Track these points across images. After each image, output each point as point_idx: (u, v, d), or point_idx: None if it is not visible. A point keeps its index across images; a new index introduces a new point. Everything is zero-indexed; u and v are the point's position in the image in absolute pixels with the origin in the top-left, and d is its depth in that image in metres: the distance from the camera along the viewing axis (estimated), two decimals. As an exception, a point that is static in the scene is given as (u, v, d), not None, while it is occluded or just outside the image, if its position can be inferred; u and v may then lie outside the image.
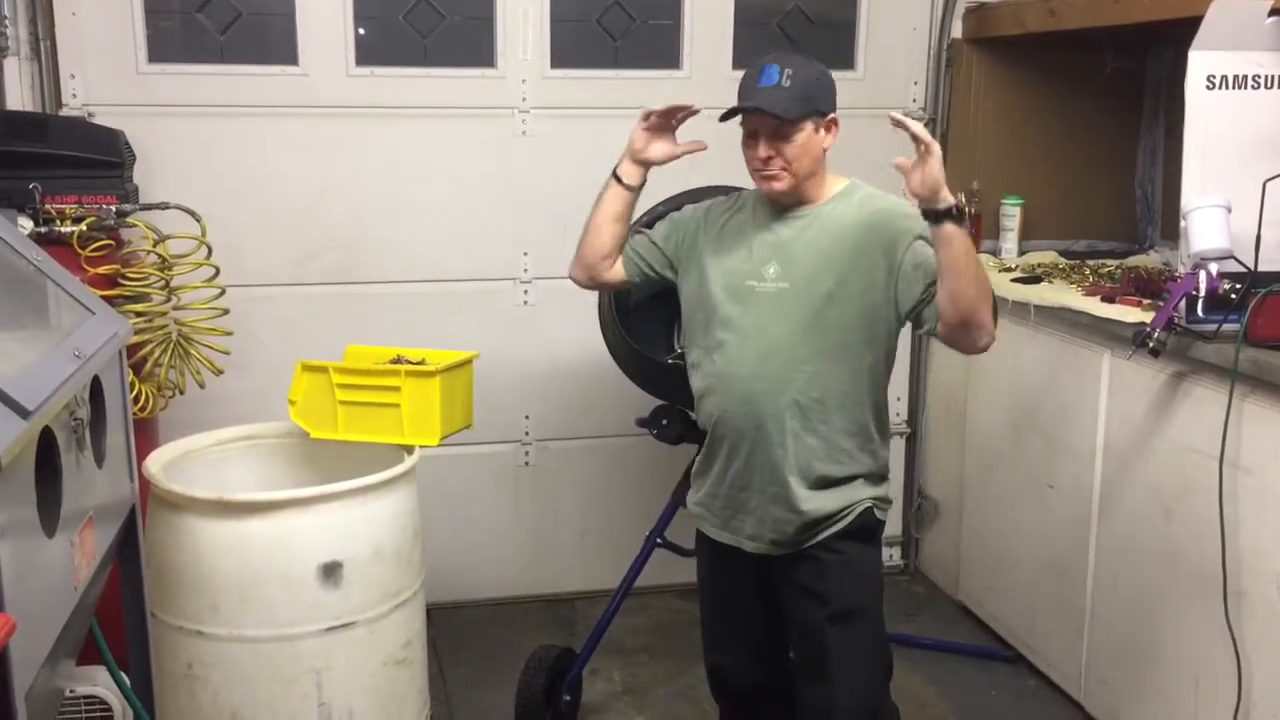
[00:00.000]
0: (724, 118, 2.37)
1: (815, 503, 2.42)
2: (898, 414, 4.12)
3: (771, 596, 2.57)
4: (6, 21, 3.29)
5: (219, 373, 3.24)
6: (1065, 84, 4.03)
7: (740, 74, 3.69)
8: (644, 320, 3.25)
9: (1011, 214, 3.97)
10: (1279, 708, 2.60)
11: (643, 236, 2.64)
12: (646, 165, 2.57)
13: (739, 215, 2.52)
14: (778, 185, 2.38)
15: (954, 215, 2.21)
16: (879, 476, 2.49)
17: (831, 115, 2.39)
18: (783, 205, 2.45)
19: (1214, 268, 2.68)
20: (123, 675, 2.39)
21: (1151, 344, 2.74)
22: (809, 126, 2.34)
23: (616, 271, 2.63)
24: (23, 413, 1.57)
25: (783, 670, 2.65)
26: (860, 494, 2.45)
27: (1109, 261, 3.81)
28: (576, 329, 3.66)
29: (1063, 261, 3.83)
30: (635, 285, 2.68)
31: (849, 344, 2.39)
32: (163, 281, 3.08)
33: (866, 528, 2.47)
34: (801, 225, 2.42)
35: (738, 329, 2.44)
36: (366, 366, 2.97)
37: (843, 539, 2.44)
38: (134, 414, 2.40)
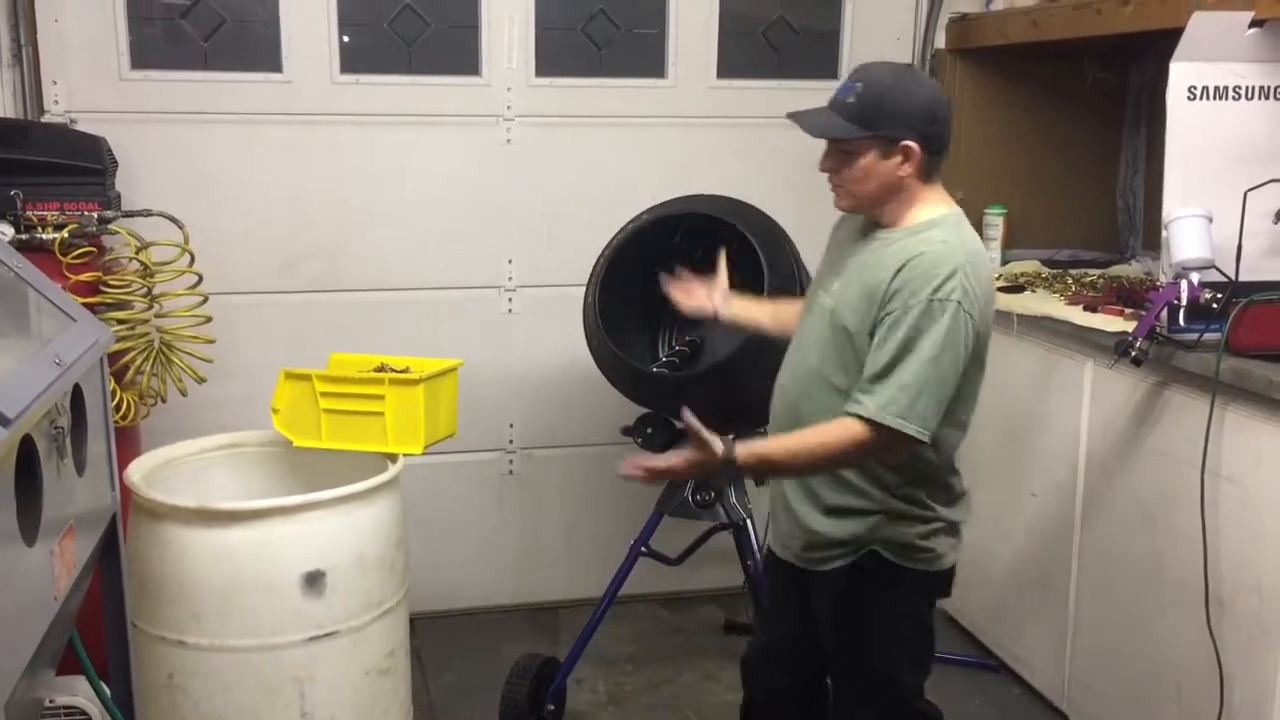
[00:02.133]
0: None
1: (820, 525, 2.32)
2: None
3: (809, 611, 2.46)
4: (-12, 28, 3.28)
5: (201, 381, 3.23)
6: (1048, 94, 4.05)
7: (724, 83, 3.68)
8: (629, 328, 3.26)
9: (994, 223, 3.99)
10: (1260, 715, 2.61)
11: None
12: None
13: (849, 223, 2.40)
14: (838, 202, 2.28)
15: (736, 465, 2.16)
16: (902, 516, 2.28)
17: (907, 143, 2.16)
18: (870, 223, 2.30)
19: (1195, 277, 2.70)
20: (103, 685, 2.37)
21: (1133, 353, 2.76)
22: (872, 151, 2.18)
23: None
24: (3, 421, 1.57)
25: (813, 685, 2.56)
26: (874, 533, 2.28)
27: (1091, 271, 3.83)
28: (561, 337, 3.65)
29: (1045, 271, 3.84)
30: None
31: (853, 382, 2.22)
32: (145, 289, 3.07)
33: (873, 571, 2.29)
34: (871, 249, 2.26)
35: (796, 337, 2.40)
36: (350, 374, 2.96)
37: (851, 577, 2.31)
38: (115, 422, 2.40)
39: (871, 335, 2.18)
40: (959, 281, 2.12)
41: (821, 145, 2.26)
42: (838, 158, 2.22)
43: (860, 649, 2.38)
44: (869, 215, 2.30)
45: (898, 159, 2.18)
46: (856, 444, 2.14)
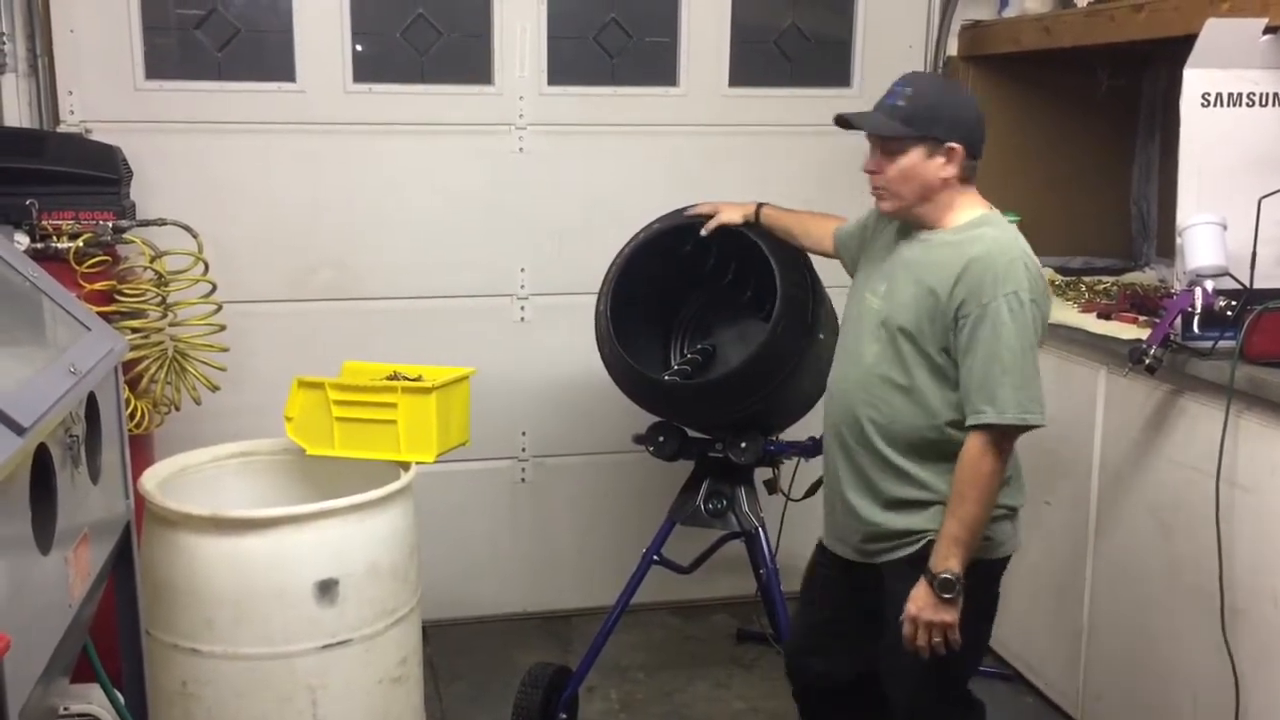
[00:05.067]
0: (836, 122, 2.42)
1: (878, 517, 2.39)
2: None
3: (860, 606, 2.53)
4: (4, 38, 3.30)
5: (215, 389, 3.24)
6: (1061, 101, 4.04)
7: (736, 92, 3.68)
8: (641, 336, 3.25)
9: (1008, 231, 3.97)
10: (1277, 725, 2.60)
11: (849, 226, 2.70)
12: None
13: (887, 227, 2.49)
14: (882, 205, 2.39)
15: (954, 579, 2.24)
16: None
17: (952, 145, 2.28)
18: (910, 224, 2.39)
19: (1210, 284, 2.69)
20: (117, 693, 2.37)
21: (1148, 361, 2.75)
22: (917, 151, 2.29)
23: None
24: (18, 429, 1.57)
25: (852, 679, 2.62)
26: (933, 523, 2.32)
27: (1105, 278, 3.82)
28: (573, 345, 3.66)
29: (1059, 278, 3.83)
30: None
31: (919, 380, 2.31)
32: (159, 298, 3.09)
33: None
34: (920, 250, 2.35)
35: (846, 337, 2.49)
36: (363, 383, 2.97)
37: (911, 566, 2.33)
38: (130, 430, 2.40)
39: (941, 335, 2.27)
40: (1021, 272, 2.24)
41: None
42: (881, 159, 2.33)
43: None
44: (909, 218, 2.38)
45: (940, 160, 2.30)
46: (997, 453, 2.24)
